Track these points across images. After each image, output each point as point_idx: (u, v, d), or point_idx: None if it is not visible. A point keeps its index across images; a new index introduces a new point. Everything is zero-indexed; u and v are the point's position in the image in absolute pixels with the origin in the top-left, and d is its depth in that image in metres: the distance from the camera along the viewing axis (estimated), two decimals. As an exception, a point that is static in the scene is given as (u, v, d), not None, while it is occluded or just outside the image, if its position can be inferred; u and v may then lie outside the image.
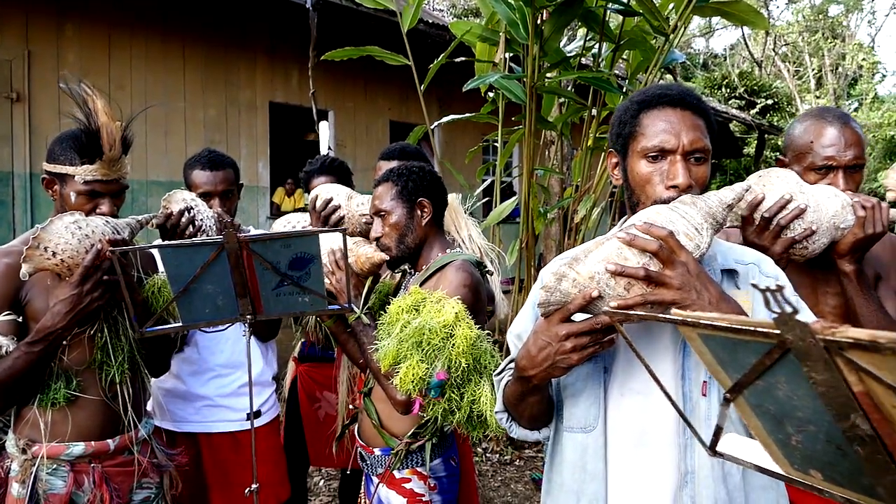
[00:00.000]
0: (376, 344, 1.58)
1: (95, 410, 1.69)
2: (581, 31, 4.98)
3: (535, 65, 3.98)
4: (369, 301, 1.81)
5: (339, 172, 2.63)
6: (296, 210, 8.75)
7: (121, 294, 1.55)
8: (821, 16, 22.65)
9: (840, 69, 22.60)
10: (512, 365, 1.40)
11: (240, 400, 2.18)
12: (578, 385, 1.24)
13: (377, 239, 1.76)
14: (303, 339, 2.74)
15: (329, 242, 1.75)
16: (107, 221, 1.62)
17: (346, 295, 1.64)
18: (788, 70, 22.03)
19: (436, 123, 4.51)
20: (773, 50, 22.11)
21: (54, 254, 1.53)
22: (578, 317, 1.09)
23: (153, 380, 2.00)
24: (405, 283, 1.86)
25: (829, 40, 22.41)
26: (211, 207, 2.06)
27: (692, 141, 1.17)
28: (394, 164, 2.35)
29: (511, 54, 4.39)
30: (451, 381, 1.46)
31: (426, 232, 1.78)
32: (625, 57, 4.84)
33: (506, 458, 4.30)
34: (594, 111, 4.65)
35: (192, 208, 1.93)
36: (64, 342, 1.61)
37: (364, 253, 1.75)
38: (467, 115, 4.41)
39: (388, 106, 7.80)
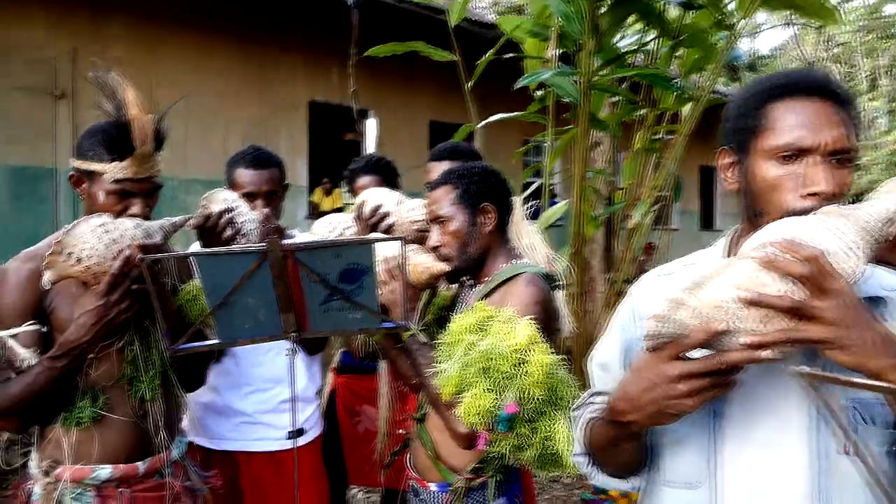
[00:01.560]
0: (435, 367, 1.39)
1: (124, 430, 1.54)
2: (633, 27, 4.74)
3: (589, 61, 3.76)
4: (425, 316, 1.62)
5: (386, 172, 2.49)
6: (335, 209, 8.68)
7: (152, 304, 1.40)
8: (875, 15, 21.79)
9: (895, 71, 21.69)
10: (594, 399, 1.21)
11: (281, 416, 2.01)
12: (682, 431, 1.04)
13: (435, 248, 1.57)
14: (343, 349, 2.59)
15: (382, 250, 1.57)
16: (137, 224, 1.46)
17: (402, 309, 1.46)
18: (840, 72, 21.26)
19: (483, 122, 4.31)
20: (825, 50, 21.37)
21: (79, 260, 1.38)
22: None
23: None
24: (463, 297, 1.67)
25: (883, 41, 21.54)
26: (254, 209, 1.91)
27: (836, 139, 0.95)
28: (445, 164, 2.17)
29: (561, 51, 4.18)
30: (522, 415, 1.27)
31: (490, 240, 1.59)
32: (677, 55, 4.59)
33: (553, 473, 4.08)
34: (645, 111, 4.42)
35: (232, 209, 1.79)
36: (90, 356, 1.47)
37: (422, 262, 1.56)
38: (515, 114, 4.21)
39: (429, 105, 7.65)
